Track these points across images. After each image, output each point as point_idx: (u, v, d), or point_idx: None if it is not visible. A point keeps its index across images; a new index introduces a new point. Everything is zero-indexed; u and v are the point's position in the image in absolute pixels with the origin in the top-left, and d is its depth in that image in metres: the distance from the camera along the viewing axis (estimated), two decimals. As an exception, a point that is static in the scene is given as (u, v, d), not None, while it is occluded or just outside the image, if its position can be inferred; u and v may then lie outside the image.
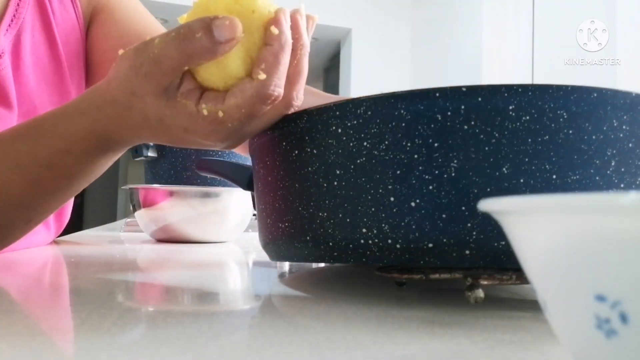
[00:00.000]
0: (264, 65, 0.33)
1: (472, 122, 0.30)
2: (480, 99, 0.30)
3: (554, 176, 0.30)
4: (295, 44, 0.35)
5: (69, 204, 0.73)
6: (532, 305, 0.33)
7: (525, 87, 0.30)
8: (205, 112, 0.34)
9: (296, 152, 0.36)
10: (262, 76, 0.33)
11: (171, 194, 0.76)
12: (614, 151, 0.31)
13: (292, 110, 0.37)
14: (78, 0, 0.63)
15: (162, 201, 0.76)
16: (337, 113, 0.33)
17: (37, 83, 0.57)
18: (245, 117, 0.34)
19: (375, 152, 0.32)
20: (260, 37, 0.34)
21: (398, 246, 0.31)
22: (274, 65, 0.33)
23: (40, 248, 0.66)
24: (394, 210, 0.31)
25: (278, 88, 0.34)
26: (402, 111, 0.31)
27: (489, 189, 0.30)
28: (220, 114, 0.34)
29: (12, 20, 0.53)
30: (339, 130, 0.33)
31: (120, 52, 0.36)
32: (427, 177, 0.30)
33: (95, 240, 0.82)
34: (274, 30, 0.33)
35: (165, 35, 0.33)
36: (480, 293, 0.31)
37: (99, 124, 0.37)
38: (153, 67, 0.33)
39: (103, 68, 0.65)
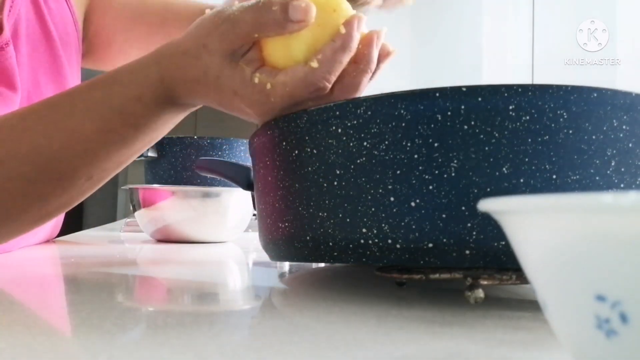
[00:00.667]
0: (321, 56, 0.36)
1: (472, 122, 0.30)
2: (480, 99, 0.30)
3: (554, 176, 0.30)
4: (361, 57, 0.37)
5: None
6: (532, 305, 0.33)
7: (525, 87, 0.30)
8: (256, 80, 0.36)
9: (296, 152, 0.36)
10: (315, 64, 0.35)
11: (171, 194, 0.76)
12: (614, 151, 0.31)
13: None
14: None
15: (162, 201, 0.76)
16: (337, 113, 0.33)
17: (34, 72, 0.58)
18: (288, 97, 0.36)
19: (375, 152, 0.32)
20: (331, 34, 0.36)
21: (398, 246, 0.31)
22: (329, 59, 0.36)
23: (40, 248, 0.66)
24: (394, 210, 0.31)
25: (325, 81, 0.36)
26: (402, 111, 0.31)
27: (489, 189, 0.30)
28: (268, 86, 0.36)
29: (9, 11, 0.54)
30: (339, 130, 0.33)
31: (207, 11, 0.39)
32: (427, 177, 0.30)
33: (95, 240, 0.82)
34: (342, 29, 0.36)
35: (247, 2, 0.36)
36: (480, 293, 0.31)
37: (167, 72, 0.39)
38: (230, 27, 0.36)
39: (112, 51, 0.67)
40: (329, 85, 0.36)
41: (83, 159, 0.41)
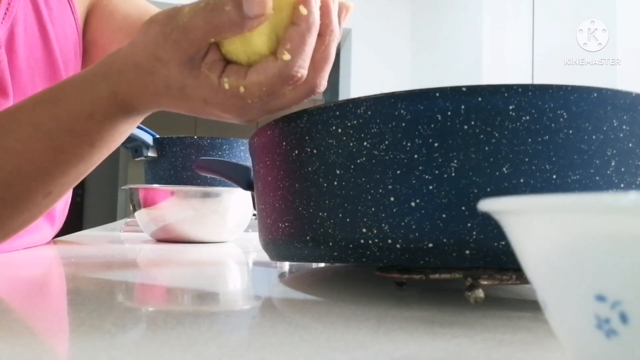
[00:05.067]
0: (289, 45, 0.33)
1: (472, 122, 0.30)
2: (480, 99, 0.30)
3: (554, 176, 0.30)
4: (324, 29, 0.35)
5: (67, 201, 0.73)
6: (532, 305, 0.33)
7: (525, 87, 0.30)
8: (226, 85, 0.34)
9: (296, 152, 0.36)
10: (287, 56, 0.33)
11: (171, 194, 0.76)
12: (614, 151, 0.31)
13: (315, 95, 0.37)
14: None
15: (162, 201, 0.76)
16: (337, 113, 0.33)
17: (31, 76, 0.57)
18: (266, 95, 0.34)
19: (375, 152, 0.32)
20: (288, 15, 0.33)
21: (398, 246, 0.31)
22: (299, 46, 0.33)
23: (40, 248, 0.66)
24: (394, 210, 0.31)
25: (302, 69, 0.34)
26: (402, 111, 0.31)
27: (489, 189, 0.30)
28: (242, 89, 0.34)
29: (5, 14, 0.53)
30: (339, 130, 0.33)
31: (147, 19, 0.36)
32: (427, 177, 0.30)
33: (95, 240, 0.82)
34: (303, 10, 0.33)
35: (196, 5, 0.33)
36: (480, 293, 0.31)
37: (119, 88, 0.36)
38: (181, 35, 0.33)
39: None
40: (306, 72, 0.34)
41: (36, 179, 0.39)
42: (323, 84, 0.37)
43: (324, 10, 0.35)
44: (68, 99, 0.38)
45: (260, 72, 0.34)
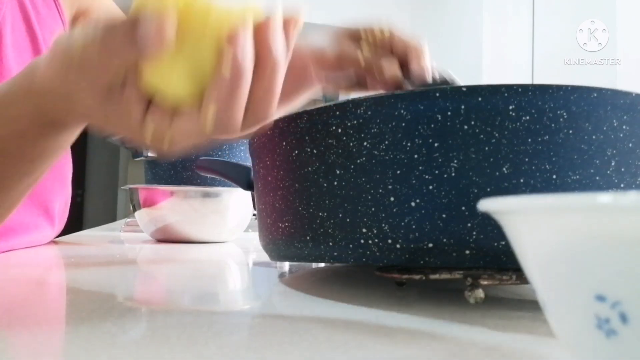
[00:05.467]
0: (214, 97, 0.28)
1: (472, 122, 0.30)
2: (480, 99, 0.30)
3: (554, 176, 0.30)
4: (262, 61, 0.28)
5: (67, 202, 0.73)
6: (532, 305, 0.33)
7: (525, 87, 0.30)
8: (151, 128, 0.29)
9: (296, 152, 0.36)
10: (211, 110, 0.28)
11: (171, 194, 0.76)
12: (614, 151, 0.31)
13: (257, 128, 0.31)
14: (61, 3, 0.64)
15: (162, 201, 0.76)
16: (337, 113, 0.33)
17: None
18: (194, 144, 0.30)
19: (375, 152, 0.32)
20: (212, 54, 0.27)
21: (398, 246, 0.31)
22: (225, 99, 0.28)
23: (40, 248, 0.66)
24: (394, 210, 0.31)
25: (234, 122, 0.28)
26: (402, 111, 0.31)
27: (489, 189, 0.30)
28: (168, 136, 0.29)
29: None
30: (339, 130, 0.33)
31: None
32: (427, 177, 0.30)
33: (95, 240, 0.82)
34: (227, 50, 0.27)
35: (93, 27, 0.28)
36: (480, 293, 0.31)
37: (45, 108, 0.33)
38: (87, 61, 0.28)
39: None
40: (239, 123, 0.29)
41: None
42: (269, 118, 0.30)
43: (260, 37, 0.28)
44: None
45: (186, 121, 0.28)
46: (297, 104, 0.44)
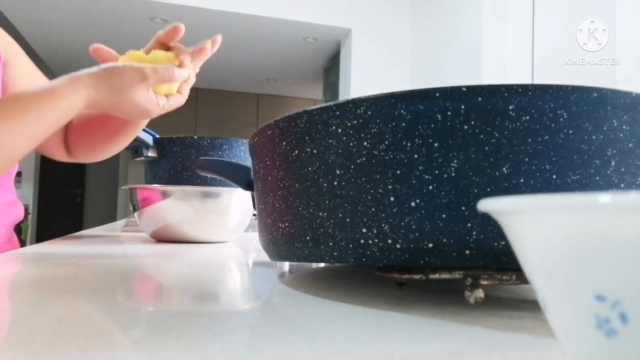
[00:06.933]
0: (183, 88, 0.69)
1: (472, 122, 0.30)
2: (480, 99, 0.30)
3: (554, 176, 0.30)
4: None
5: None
6: (532, 305, 0.33)
7: (525, 87, 0.30)
8: (161, 103, 0.65)
9: (296, 152, 0.36)
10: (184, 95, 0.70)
11: (171, 194, 0.76)
12: (614, 151, 0.31)
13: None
14: None
15: (162, 201, 0.76)
16: (337, 113, 0.33)
17: None
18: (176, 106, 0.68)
19: (375, 152, 0.32)
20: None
21: (398, 246, 0.31)
22: (184, 87, 0.69)
23: (40, 248, 0.66)
24: (394, 210, 0.31)
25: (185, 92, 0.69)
26: (402, 111, 0.31)
27: (489, 189, 0.30)
28: (164, 105, 0.66)
29: None
30: (339, 130, 0.33)
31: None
32: (427, 177, 0.30)
33: (95, 240, 0.82)
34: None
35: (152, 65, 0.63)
36: (480, 293, 0.31)
37: (89, 107, 0.61)
38: (149, 74, 0.63)
39: None
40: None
41: (27, 148, 0.59)
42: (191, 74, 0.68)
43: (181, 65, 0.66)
44: (66, 96, 0.59)
45: (173, 100, 0.67)
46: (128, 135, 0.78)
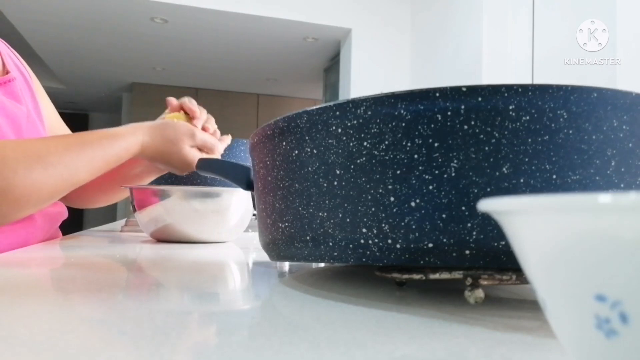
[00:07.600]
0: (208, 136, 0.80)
1: (472, 122, 0.30)
2: (480, 99, 0.30)
3: (554, 176, 0.30)
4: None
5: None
6: (532, 305, 0.33)
7: (525, 87, 0.30)
8: (192, 155, 0.76)
9: (296, 152, 0.36)
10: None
11: (171, 194, 0.76)
12: (614, 151, 0.31)
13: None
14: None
15: (162, 201, 0.76)
16: (337, 113, 0.33)
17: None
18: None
19: (375, 152, 0.32)
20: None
21: (398, 246, 0.31)
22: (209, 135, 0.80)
23: (40, 248, 0.66)
24: (394, 210, 0.31)
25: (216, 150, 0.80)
26: (402, 111, 0.31)
27: (489, 189, 0.30)
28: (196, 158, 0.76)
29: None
30: (339, 130, 0.33)
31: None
32: (427, 177, 0.30)
33: (95, 240, 0.82)
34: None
35: (197, 132, 0.77)
36: (480, 293, 0.31)
37: (141, 155, 0.72)
38: (194, 137, 0.77)
39: None
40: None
41: (86, 178, 0.66)
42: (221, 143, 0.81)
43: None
44: (124, 137, 0.69)
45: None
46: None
